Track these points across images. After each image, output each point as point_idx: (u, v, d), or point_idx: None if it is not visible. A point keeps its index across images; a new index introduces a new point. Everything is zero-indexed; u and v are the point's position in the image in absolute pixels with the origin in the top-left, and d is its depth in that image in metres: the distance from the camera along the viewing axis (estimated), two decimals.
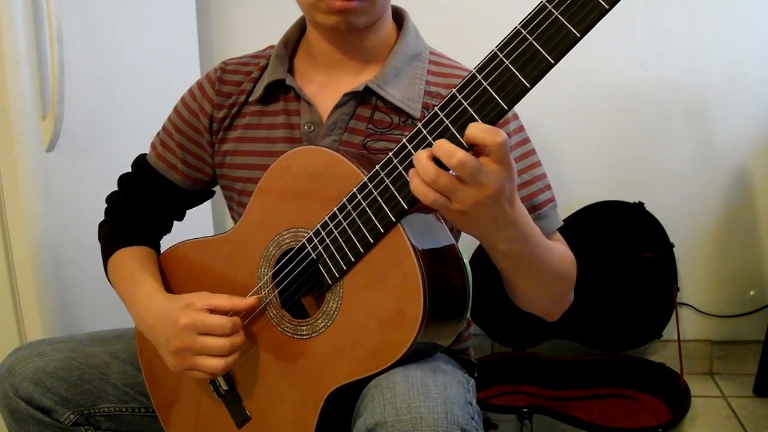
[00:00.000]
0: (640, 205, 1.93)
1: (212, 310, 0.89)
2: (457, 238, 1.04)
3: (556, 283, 0.92)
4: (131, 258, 1.05)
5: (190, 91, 1.08)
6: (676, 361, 1.90)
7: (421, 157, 0.71)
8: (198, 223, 1.53)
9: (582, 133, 2.01)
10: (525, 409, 1.70)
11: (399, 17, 1.03)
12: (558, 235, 1.00)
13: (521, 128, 1.00)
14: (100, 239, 1.11)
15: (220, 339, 0.87)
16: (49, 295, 1.38)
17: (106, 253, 1.08)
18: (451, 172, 0.71)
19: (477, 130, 0.70)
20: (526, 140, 1.00)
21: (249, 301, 0.90)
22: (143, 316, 0.97)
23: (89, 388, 1.04)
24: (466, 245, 1.09)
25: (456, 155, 0.69)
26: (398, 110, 0.96)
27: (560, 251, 0.92)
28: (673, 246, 1.92)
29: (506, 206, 0.74)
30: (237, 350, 0.88)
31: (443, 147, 0.70)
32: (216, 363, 0.87)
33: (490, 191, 0.71)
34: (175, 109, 1.09)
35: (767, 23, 1.91)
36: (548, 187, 0.99)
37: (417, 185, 0.72)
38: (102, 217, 1.14)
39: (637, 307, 1.94)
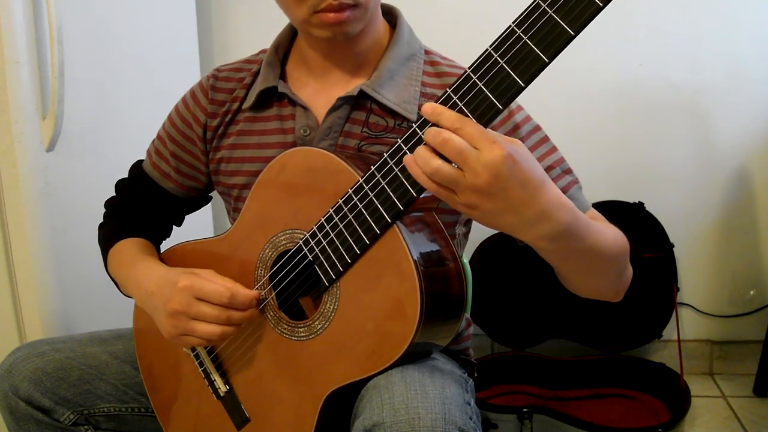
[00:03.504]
0: (640, 205, 1.93)
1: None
2: (462, 244, 1.04)
3: (612, 266, 0.86)
4: (132, 245, 1.06)
5: (183, 100, 1.07)
6: (676, 361, 1.90)
7: (420, 149, 0.70)
8: (198, 224, 1.53)
9: (582, 133, 2.01)
10: (525, 409, 1.70)
11: (391, 15, 1.02)
12: (594, 212, 0.93)
13: (528, 117, 0.97)
14: (99, 238, 1.11)
15: (216, 308, 0.87)
16: (49, 295, 1.38)
17: (106, 246, 1.08)
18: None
19: (444, 118, 0.69)
20: (537, 128, 0.97)
21: (250, 293, 0.89)
22: (143, 284, 0.96)
23: (89, 388, 1.05)
24: (467, 245, 1.09)
25: (441, 134, 0.68)
26: (393, 113, 0.95)
27: (610, 231, 0.85)
28: (673, 246, 1.92)
29: (521, 194, 0.69)
30: (234, 324, 0.88)
31: (431, 130, 0.69)
32: (210, 329, 0.87)
33: (484, 176, 0.67)
34: (169, 118, 1.09)
35: (767, 23, 1.91)
36: (569, 171, 0.95)
37: (419, 175, 0.71)
38: (101, 219, 1.14)
39: (637, 307, 1.94)
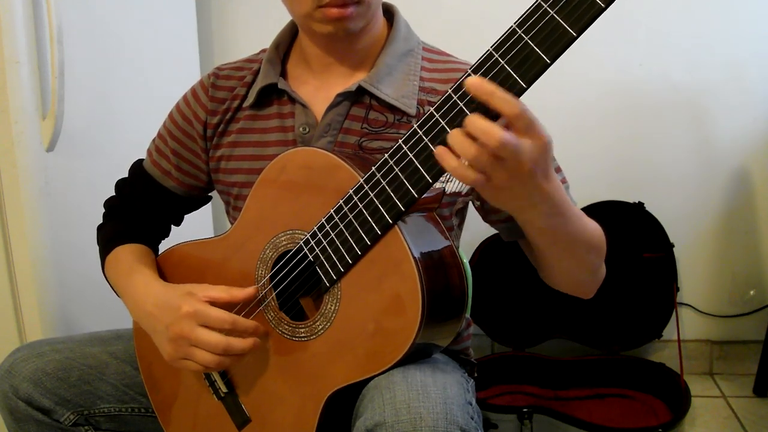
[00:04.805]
0: (640, 205, 1.93)
1: (211, 302, 0.89)
2: (458, 236, 1.04)
3: (592, 255, 0.89)
4: (129, 252, 1.06)
5: (184, 98, 1.07)
6: (676, 361, 1.90)
7: (457, 136, 0.69)
8: (198, 224, 1.53)
9: (582, 133, 2.01)
10: (525, 409, 1.70)
11: (389, 13, 1.02)
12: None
13: None
14: (98, 241, 1.11)
15: (216, 334, 0.87)
16: (49, 295, 1.38)
17: (104, 251, 1.08)
18: None
19: (498, 99, 0.67)
20: None
21: (247, 291, 0.90)
22: (140, 303, 0.96)
23: (89, 389, 1.04)
24: (467, 245, 1.09)
25: (496, 135, 0.66)
26: (393, 108, 0.95)
27: (591, 222, 0.89)
28: (673, 246, 1.92)
29: (541, 181, 0.72)
30: (234, 352, 0.88)
31: (480, 125, 0.67)
32: (209, 357, 0.87)
33: (526, 168, 0.69)
34: (170, 116, 1.09)
35: (766, 23, 1.91)
36: (558, 169, 0.97)
37: (457, 167, 0.69)
38: (101, 219, 1.14)
39: (637, 307, 1.94)
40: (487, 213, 1.00)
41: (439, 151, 0.71)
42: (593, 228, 0.89)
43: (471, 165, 0.69)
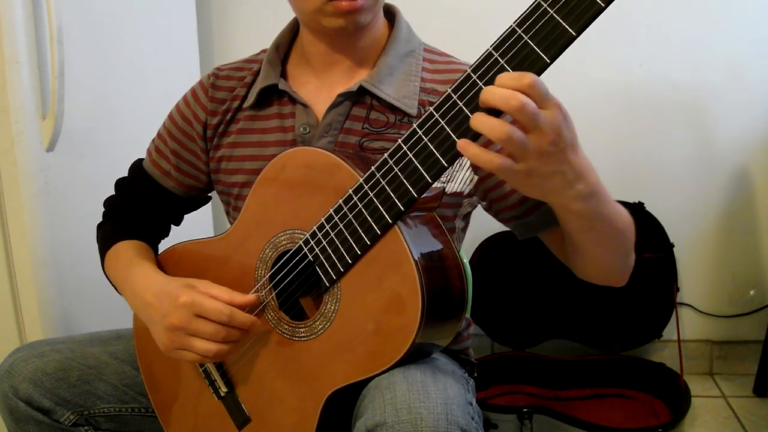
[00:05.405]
0: (640, 205, 1.93)
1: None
2: (461, 239, 1.04)
3: (625, 238, 0.87)
4: (129, 248, 1.06)
5: (184, 98, 1.07)
6: (676, 361, 1.90)
7: (482, 118, 0.67)
8: (198, 224, 1.54)
9: (581, 133, 1.97)
10: (525, 409, 1.70)
11: (390, 14, 1.02)
12: None
13: None
14: (98, 238, 1.11)
15: (214, 325, 0.87)
16: (49, 295, 1.38)
17: (104, 247, 1.08)
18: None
19: (506, 78, 0.66)
20: None
21: (248, 297, 0.90)
22: (139, 294, 0.96)
23: (88, 389, 1.04)
24: (467, 245, 1.09)
25: (517, 96, 0.64)
26: (394, 108, 0.95)
27: (620, 205, 0.86)
28: (673, 246, 1.92)
29: (571, 155, 0.70)
30: (232, 341, 0.88)
31: (497, 92, 0.66)
32: (207, 346, 0.87)
33: (550, 137, 0.67)
34: (170, 116, 1.09)
35: (767, 23, 1.91)
36: None
37: (479, 153, 0.68)
38: (101, 218, 1.14)
39: (637, 307, 1.94)
40: (498, 212, 0.98)
41: (461, 143, 0.69)
42: (624, 211, 0.87)
43: (505, 143, 0.67)
